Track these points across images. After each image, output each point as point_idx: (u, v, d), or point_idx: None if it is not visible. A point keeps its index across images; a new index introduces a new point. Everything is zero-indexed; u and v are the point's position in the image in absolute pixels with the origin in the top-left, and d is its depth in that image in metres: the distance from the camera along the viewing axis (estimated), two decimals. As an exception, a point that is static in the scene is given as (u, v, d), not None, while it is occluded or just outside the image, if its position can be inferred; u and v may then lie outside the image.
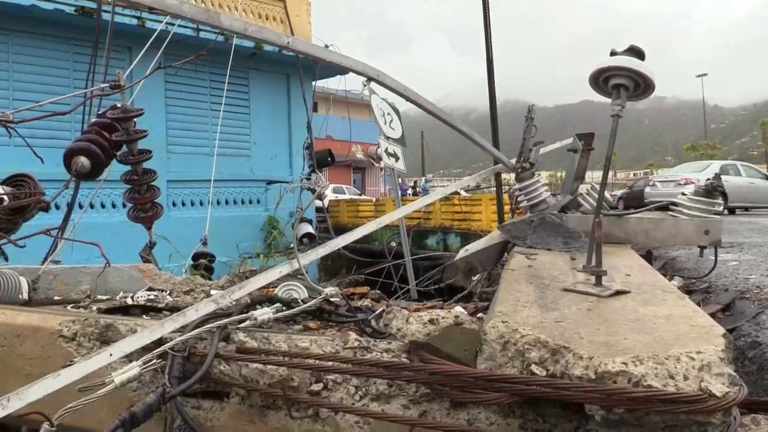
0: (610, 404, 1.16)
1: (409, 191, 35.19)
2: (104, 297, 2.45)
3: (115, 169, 3.27)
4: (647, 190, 16.45)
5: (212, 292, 2.41)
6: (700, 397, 1.11)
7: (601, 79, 2.11)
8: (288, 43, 1.92)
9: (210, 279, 4.03)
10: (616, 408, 1.16)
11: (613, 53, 2.08)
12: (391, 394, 1.47)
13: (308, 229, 13.50)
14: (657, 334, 1.34)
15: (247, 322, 1.74)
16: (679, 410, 1.11)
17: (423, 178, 47.47)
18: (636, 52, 2.05)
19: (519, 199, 3.23)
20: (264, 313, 1.78)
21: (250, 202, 14.91)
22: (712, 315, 2.31)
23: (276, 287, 2.27)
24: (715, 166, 16.82)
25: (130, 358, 1.56)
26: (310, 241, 12.92)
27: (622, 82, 2.04)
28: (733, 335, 2.14)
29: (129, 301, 2.24)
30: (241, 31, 1.80)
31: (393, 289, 7.84)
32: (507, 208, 7.11)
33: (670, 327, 1.39)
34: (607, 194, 2.76)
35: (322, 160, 14.19)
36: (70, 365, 1.42)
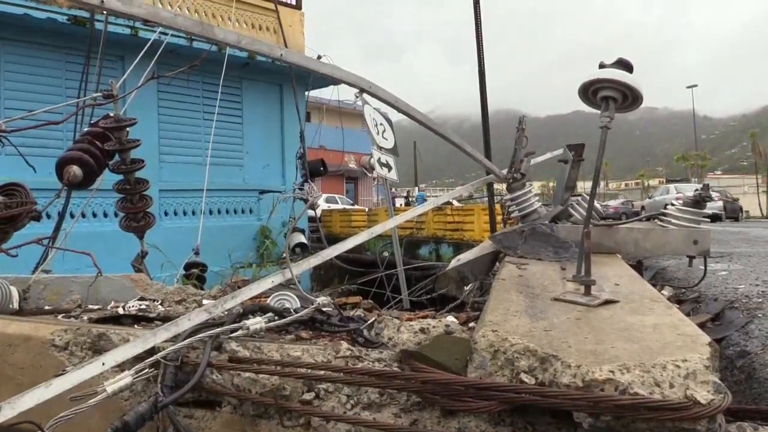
0: (598, 412, 1.18)
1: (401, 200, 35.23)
2: (95, 307, 2.44)
3: (108, 178, 3.28)
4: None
5: (204, 301, 2.41)
6: (685, 405, 1.12)
7: (590, 92, 2.14)
8: (281, 55, 1.93)
9: (202, 288, 4.02)
10: (603, 415, 1.18)
11: (601, 66, 2.11)
12: (383, 403, 1.48)
13: (301, 238, 13.49)
14: (644, 342, 1.36)
15: (240, 332, 1.74)
16: (665, 417, 1.13)
17: (416, 188, 47.54)
18: (624, 65, 2.08)
19: (510, 209, 3.25)
20: (256, 322, 1.79)
21: (243, 211, 14.87)
22: (702, 324, 2.33)
23: (268, 297, 2.27)
24: None
25: (122, 367, 1.56)
26: (302, 250, 12.91)
27: (610, 95, 2.07)
28: (722, 344, 2.16)
29: (120, 311, 2.24)
30: (235, 43, 1.82)
31: (385, 298, 7.83)
32: (499, 218, 7.13)
33: (657, 336, 1.41)
34: (597, 204, 2.78)
35: (315, 170, 14.21)
36: (62, 374, 1.42)
